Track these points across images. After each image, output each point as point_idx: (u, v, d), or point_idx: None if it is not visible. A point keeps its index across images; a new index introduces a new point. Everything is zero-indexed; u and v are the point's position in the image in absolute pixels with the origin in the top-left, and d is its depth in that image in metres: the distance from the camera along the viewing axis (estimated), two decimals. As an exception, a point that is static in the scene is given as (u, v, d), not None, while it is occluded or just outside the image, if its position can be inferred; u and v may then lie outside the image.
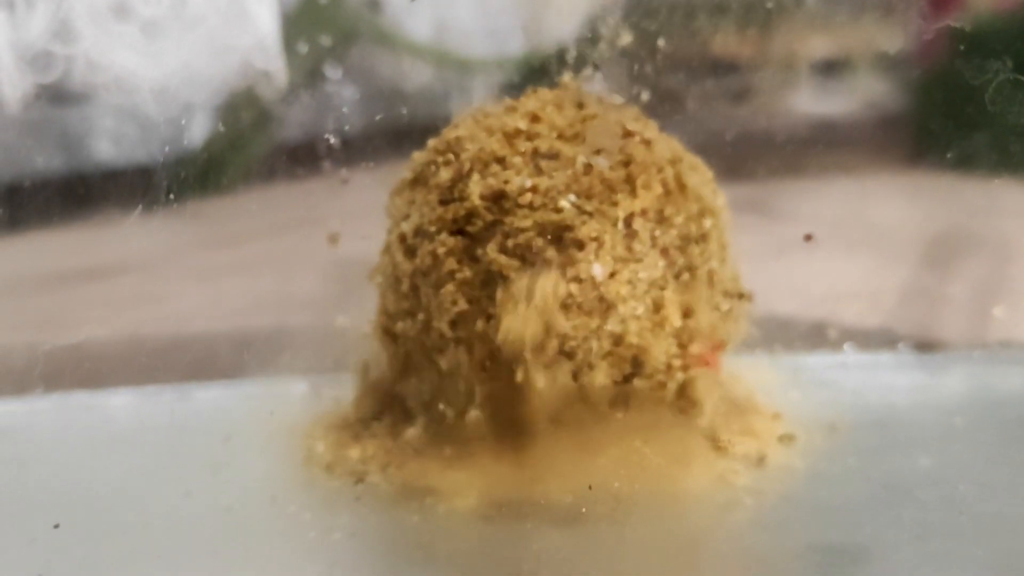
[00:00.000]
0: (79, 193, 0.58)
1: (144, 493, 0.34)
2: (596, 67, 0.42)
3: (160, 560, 0.31)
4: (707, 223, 0.35)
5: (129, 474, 0.36)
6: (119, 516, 0.33)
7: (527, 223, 0.33)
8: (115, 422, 0.42)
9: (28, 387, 0.43)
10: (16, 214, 0.53)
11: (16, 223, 0.52)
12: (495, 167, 0.34)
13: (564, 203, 0.33)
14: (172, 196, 0.46)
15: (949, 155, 0.48)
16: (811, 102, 0.56)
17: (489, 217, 0.33)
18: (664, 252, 0.34)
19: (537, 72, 0.44)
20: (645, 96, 0.43)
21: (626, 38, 0.44)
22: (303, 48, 0.57)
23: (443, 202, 0.34)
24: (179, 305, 0.50)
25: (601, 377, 0.33)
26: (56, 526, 0.32)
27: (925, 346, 0.46)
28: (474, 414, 0.34)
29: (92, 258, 0.53)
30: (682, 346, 0.34)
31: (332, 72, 0.52)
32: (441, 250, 0.33)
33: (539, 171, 0.34)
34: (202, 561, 0.31)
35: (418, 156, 0.37)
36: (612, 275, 0.33)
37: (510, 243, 0.33)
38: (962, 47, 0.42)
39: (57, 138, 0.64)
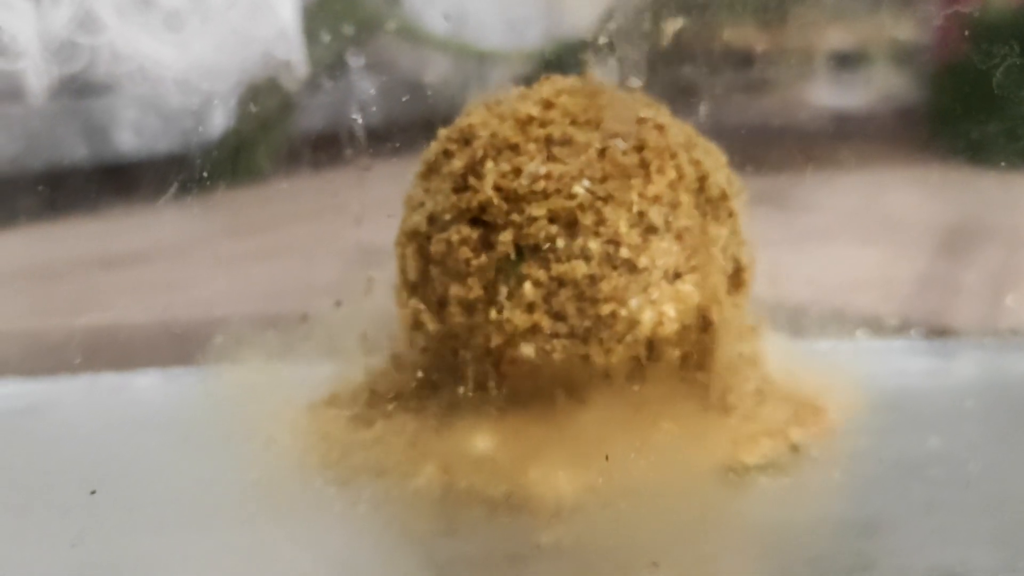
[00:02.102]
0: (106, 182, 0.59)
1: (173, 467, 0.35)
2: (613, 57, 0.43)
3: (190, 528, 0.32)
4: (722, 208, 0.35)
5: (157, 450, 0.37)
6: (149, 488, 0.34)
7: (541, 211, 0.33)
8: (143, 401, 0.43)
9: (60, 367, 0.44)
10: (46, 202, 0.54)
11: (45, 211, 0.54)
12: (508, 154, 0.34)
13: (578, 188, 0.33)
14: (198, 185, 0.47)
15: (963, 146, 0.49)
16: (827, 94, 0.57)
17: (503, 205, 0.33)
18: (679, 237, 0.34)
19: (555, 64, 0.45)
20: (661, 86, 0.44)
21: (643, 29, 0.44)
22: (324, 38, 0.58)
23: (456, 190, 0.34)
24: (205, 290, 0.51)
25: (615, 361, 0.33)
26: (93, 492, 0.33)
27: (938, 333, 0.46)
28: (492, 394, 0.34)
29: (120, 245, 0.54)
30: (702, 329, 0.35)
31: (353, 61, 0.53)
32: (455, 238, 0.34)
33: (552, 158, 0.34)
34: (231, 529, 0.32)
35: (431, 145, 0.37)
36: (627, 261, 0.33)
37: (524, 231, 0.33)
38: (976, 38, 0.42)
39: (83, 128, 0.65)
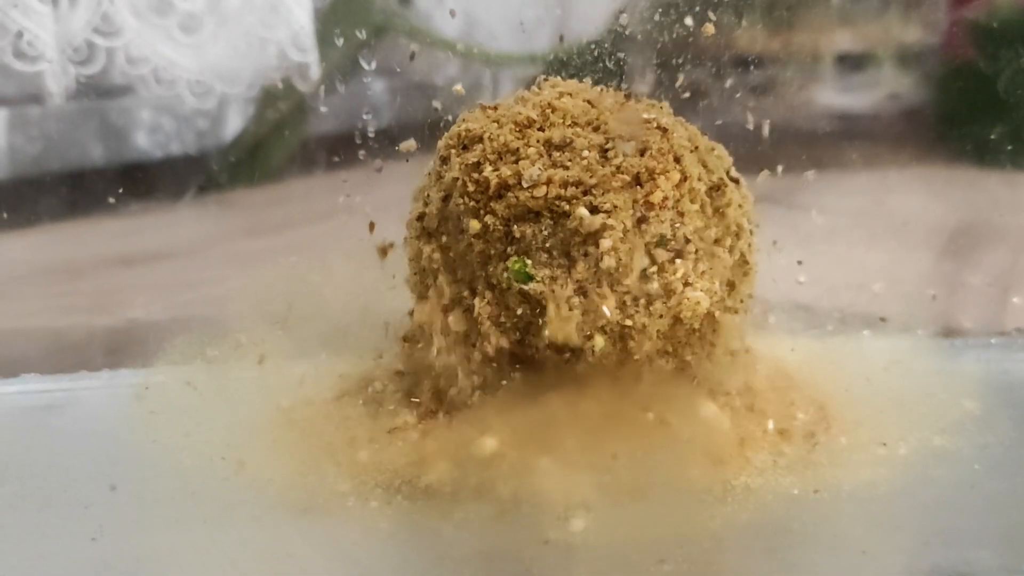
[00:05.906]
0: (124, 183, 0.60)
1: (190, 464, 0.36)
2: (621, 60, 0.43)
3: (206, 525, 0.32)
4: (729, 208, 0.35)
5: (174, 448, 0.38)
6: (167, 485, 0.35)
7: (543, 220, 0.33)
8: (161, 399, 0.44)
9: (81, 365, 0.45)
10: (66, 202, 0.55)
11: (65, 211, 0.55)
12: (507, 158, 0.33)
13: (582, 211, 0.32)
14: (214, 186, 0.48)
15: (970, 147, 0.49)
16: (834, 95, 0.57)
17: (505, 212, 0.33)
18: (686, 244, 0.34)
19: (563, 66, 0.45)
20: (670, 88, 0.44)
21: (651, 31, 0.45)
22: (337, 41, 0.59)
23: (455, 197, 0.34)
24: (222, 288, 0.51)
25: (624, 365, 0.34)
26: (113, 488, 0.34)
27: (944, 332, 0.47)
28: (499, 393, 0.35)
29: (139, 244, 0.55)
30: (711, 331, 0.35)
31: (366, 64, 0.54)
32: (458, 246, 0.34)
33: (553, 162, 0.33)
34: (246, 525, 0.32)
35: (439, 147, 0.37)
36: (634, 269, 0.33)
37: (525, 241, 0.33)
38: (983, 41, 0.43)
39: (101, 129, 0.66)
